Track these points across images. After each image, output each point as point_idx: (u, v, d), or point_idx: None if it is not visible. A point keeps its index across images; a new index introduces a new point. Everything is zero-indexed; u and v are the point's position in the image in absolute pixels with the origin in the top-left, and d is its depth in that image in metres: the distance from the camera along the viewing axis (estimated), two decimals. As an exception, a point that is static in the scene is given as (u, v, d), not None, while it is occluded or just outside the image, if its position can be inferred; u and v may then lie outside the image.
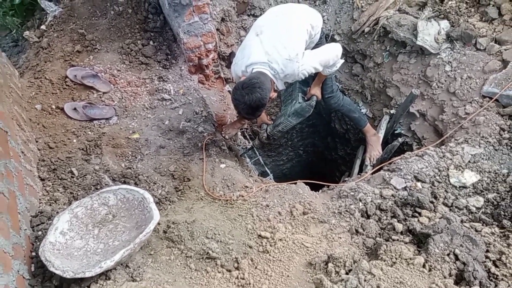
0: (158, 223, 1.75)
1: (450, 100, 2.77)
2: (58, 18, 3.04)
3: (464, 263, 1.56)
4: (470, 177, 2.21)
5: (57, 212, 1.81)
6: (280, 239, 1.92)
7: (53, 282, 1.53)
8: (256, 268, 1.69)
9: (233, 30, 3.34)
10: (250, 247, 1.85)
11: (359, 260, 1.60)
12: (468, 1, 3.01)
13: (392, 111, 3.11)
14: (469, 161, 2.30)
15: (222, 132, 2.99)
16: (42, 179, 2.24)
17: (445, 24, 2.91)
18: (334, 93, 2.84)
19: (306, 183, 2.52)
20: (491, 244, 1.70)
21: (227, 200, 2.28)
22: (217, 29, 3.26)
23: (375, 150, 2.96)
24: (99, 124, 2.73)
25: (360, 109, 3.42)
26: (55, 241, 1.61)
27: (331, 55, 2.37)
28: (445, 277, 1.52)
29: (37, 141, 2.46)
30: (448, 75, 2.80)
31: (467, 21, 2.89)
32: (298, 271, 1.69)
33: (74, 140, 2.58)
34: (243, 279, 1.59)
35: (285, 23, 2.33)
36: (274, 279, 1.62)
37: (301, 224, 2.09)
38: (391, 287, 1.41)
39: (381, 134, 3.06)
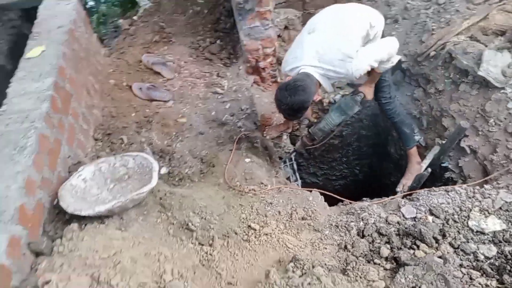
0: (158, 190, 1.99)
1: (506, 140, 2.49)
2: (147, 11, 3.55)
3: (426, 301, 1.47)
4: (493, 224, 1.99)
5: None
6: (266, 234, 2.00)
7: (65, 216, 1.86)
8: (228, 249, 1.81)
9: (295, 39, 3.47)
10: (236, 233, 1.98)
11: (317, 266, 1.61)
12: (556, 36, 2.67)
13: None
14: (500, 208, 2.07)
15: (265, 132, 3.14)
16: (95, 139, 2.67)
17: (519, 57, 2.63)
18: (391, 99, 2.71)
19: (322, 194, 2.53)
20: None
21: (239, 191, 2.43)
22: (279, 36, 3.44)
23: (411, 180, 2.80)
24: (157, 105, 3.12)
25: (415, 135, 3.24)
26: (76, 184, 1.96)
27: (387, 51, 2.25)
28: (399, 308, 1.45)
29: (103, 109, 2.94)
30: (510, 113, 2.53)
31: (548, 57, 2.57)
32: (264, 264, 1.76)
33: (133, 114, 3.00)
34: (210, 255, 1.73)
35: (341, 20, 2.28)
36: (238, 263, 1.72)
37: (295, 227, 2.14)
38: (333, 297, 1.41)
39: (424, 164, 2.88)
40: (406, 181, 2.82)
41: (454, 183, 2.76)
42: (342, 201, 2.52)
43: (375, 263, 1.80)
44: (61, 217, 1.88)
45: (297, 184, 3.12)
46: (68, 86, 2.42)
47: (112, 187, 2.05)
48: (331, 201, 2.57)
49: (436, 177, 2.97)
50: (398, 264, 1.78)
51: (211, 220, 1.91)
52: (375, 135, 4.04)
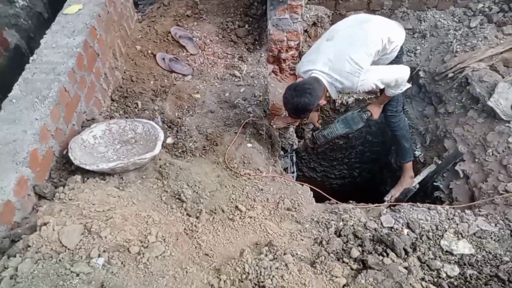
0: (159, 159, 2.15)
1: (498, 172, 2.56)
2: (183, -15, 3.65)
3: (379, 303, 1.61)
4: (463, 248, 2.09)
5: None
6: (251, 217, 2.16)
7: (71, 167, 2.05)
8: (212, 224, 1.97)
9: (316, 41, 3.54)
10: (223, 211, 2.13)
11: (288, 254, 1.76)
12: None
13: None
14: (473, 234, 2.17)
15: (272, 122, 3.27)
16: (112, 100, 2.85)
17: (532, 94, 2.66)
18: (397, 113, 2.79)
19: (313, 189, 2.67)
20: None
21: (235, 173, 2.58)
22: (306, 31, 3.50)
23: (400, 192, 2.90)
24: (176, 77, 3.27)
25: (415, 150, 3.33)
26: (86, 139, 2.13)
27: (395, 76, 2.36)
28: (352, 304, 1.60)
29: (124, 72, 3.10)
30: (508, 147, 2.58)
31: (561, 100, 2.60)
32: (242, 243, 1.92)
33: (151, 82, 3.15)
34: (195, 226, 1.90)
35: (357, 33, 2.37)
36: (219, 238, 1.89)
37: (279, 216, 2.29)
38: (294, 284, 1.56)
39: (417, 179, 2.96)
40: (395, 192, 2.92)
41: (442, 203, 2.85)
42: (329, 199, 2.64)
43: (343, 262, 1.93)
44: (67, 167, 2.07)
45: (292, 176, 3.24)
46: (96, 46, 2.59)
47: (119, 148, 2.22)
48: (324, 198, 2.71)
49: (427, 194, 3.06)
50: (364, 266, 1.91)
51: (202, 195, 2.07)
52: (380, 143, 4.12)
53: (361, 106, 2.78)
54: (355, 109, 2.78)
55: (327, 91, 2.38)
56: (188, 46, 3.43)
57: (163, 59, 3.29)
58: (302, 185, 2.66)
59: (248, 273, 1.57)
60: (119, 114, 2.75)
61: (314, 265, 1.81)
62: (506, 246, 2.11)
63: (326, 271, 1.75)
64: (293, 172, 3.35)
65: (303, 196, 2.52)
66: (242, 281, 1.55)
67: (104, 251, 1.38)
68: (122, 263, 1.39)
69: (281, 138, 3.47)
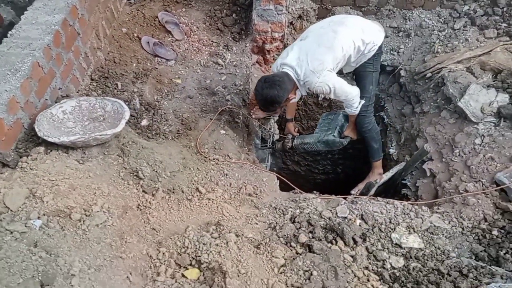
0: (124, 137, 2.22)
1: (462, 172, 2.59)
2: (176, -29, 3.70)
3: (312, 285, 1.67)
4: (413, 242, 2.15)
5: (74, 99, 2.42)
6: (209, 199, 2.23)
7: (39, 139, 2.12)
8: (167, 203, 2.05)
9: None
10: (182, 191, 2.21)
11: (233, 233, 1.83)
12: (548, 85, 2.69)
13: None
14: (426, 229, 2.22)
15: (252, 111, 3.33)
16: (92, 79, 2.92)
17: (503, 98, 2.68)
18: (367, 113, 2.82)
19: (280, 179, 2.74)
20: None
21: (205, 157, 2.65)
22: (291, 23, 3.54)
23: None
24: (159, 61, 3.33)
25: (390, 148, 3.37)
26: (55, 114, 2.21)
27: (345, 91, 2.51)
28: (286, 285, 1.66)
29: (108, 53, 3.17)
30: (474, 148, 2.61)
31: (531, 105, 2.61)
32: (194, 222, 1.99)
33: (134, 64, 3.22)
34: (149, 203, 1.97)
35: (327, 36, 2.46)
36: (170, 216, 1.96)
37: (239, 200, 2.36)
38: (229, 259, 1.63)
39: (386, 176, 3.00)
40: (362, 186, 2.97)
41: (408, 200, 2.89)
42: (294, 188, 2.71)
43: (290, 246, 2.00)
44: (35, 140, 2.14)
45: (265, 166, 3.30)
46: (77, 25, 2.66)
47: (87, 124, 2.30)
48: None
49: (396, 191, 3.10)
50: (310, 251, 1.98)
51: (162, 174, 2.14)
52: (363, 141, 4.13)
53: (339, 131, 2.93)
54: (335, 132, 2.90)
55: (297, 88, 2.47)
56: (174, 32, 3.49)
57: (148, 42, 3.36)
58: (271, 173, 2.72)
59: (188, 247, 1.65)
60: (97, 94, 2.83)
61: (259, 246, 1.87)
62: (456, 243, 2.16)
63: (268, 252, 1.82)
64: (267, 162, 3.40)
65: (267, 183, 2.59)
66: (180, 254, 1.62)
67: (44, 215, 1.46)
68: (62, 227, 1.47)
69: (261, 128, 3.53)
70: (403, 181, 3.01)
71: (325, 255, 1.80)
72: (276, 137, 3.63)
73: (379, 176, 2.96)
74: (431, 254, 2.08)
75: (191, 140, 2.80)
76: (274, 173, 2.75)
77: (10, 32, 2.37)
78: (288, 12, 3.41)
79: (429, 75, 3.14)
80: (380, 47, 2.52)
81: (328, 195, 2.63)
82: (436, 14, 3.47)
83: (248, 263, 1.63)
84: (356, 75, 2.68)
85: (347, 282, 1.81)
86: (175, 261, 1.59)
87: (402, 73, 3.43)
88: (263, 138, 3.60)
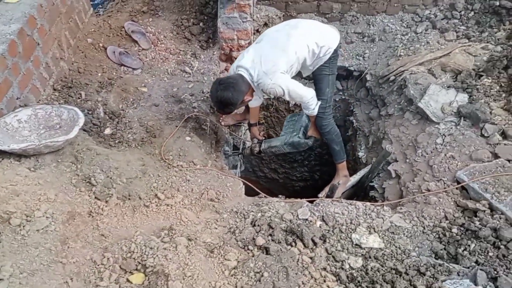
0: (78, 144, 2.19)
1: (425, 172, 2.61)
2: (144, -17, 3.72)
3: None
4: (373, 242, 2.13)
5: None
6: (168, 205, 2.20)
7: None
8: (121, 209, 2.01)
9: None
10: (140, 198, 2.17)
11: (185, 237, 1.79)
12: (503, 85, 2.75)
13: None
14: (386, 229, 2.21)
15: (221, 119, 3.32)
16: (54, 89, 2.88)
17: (462, 97, 2.72)
18: (325, 115, 2.78)
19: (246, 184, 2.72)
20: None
21: (168, 164, 2.62)
22: (257, 30, 3.57)
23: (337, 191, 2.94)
24: (125, 70, 3.32)
25: (359, 151, 3.38)
26: (9, 123, 2.18)
27: (299, 94, 2.52)
28: (236, 287, 1.63)
29: (72, 64, 3.14)
30: (436, 148, 2.64)
31: (488, 103, 2.66)
32: (148, 228, 1.95)
33: (99, 74, 3.20)
34: (101, 209, 1.93)
35: (281, 39, 2.50)
36: (123, 222, 1.92)
37: (200, 205, 2.33)
38: (175, 263, 1.59)
39: (353, 179, 3.01)
40: (326, 191, 2.96)
41: (376, 202, 2.89)
42: (259, 193, 2.69)
43: (248, 249, 1.97)
44: (-13, 147, 2.10)
45: (235, 173, 3.28)
46: (36, 35, 2.63)
47: (43, 133, 2.26)
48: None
49: (366, 194, 3.10)
50: (267, 253, 1.95)
51: (116, 181, 2.11)
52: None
53: (304, 131, 2.92)
54: (299, 133, 2.90)
55: (254, 90, 2.48)
56: (141, 41, 3.49)
57: (114, 52, 3.35)
58: (238, 179, 2.71)
59: (133, 252, 1.61)
60: (59, 103, 2.79)
61: (213, 250, 1.84)
62: (417, 242, 2.16)
63: (221, 255, 1.79)
64: (238, 169, 3.39)
65: (231, 189, 2.57)
66: (125, 259, 1.58)
67: (-21, 221, 1.42)
68: (0, 233, 1.43)
69: (232, 136, 3.52)
70: (371, 184, 3.02)
71: (277, 256, 1.78)
72: (248, 144, 3.63)
73: (344, 178, 2.96)
74: (391, 254, 2.06)
75: (155, 147, 2.77)
76: (240, 178, 2.73)
77: (-36, 42, 2.34)
78: (253, 19, 3.45)
79: (392, 78, 3.18)
80: (335, 51, 2.55)
81: (293, 199, 2.62)
82: (399, 18, 3.54)
83: (196, 266, 1.60)
84: (313, 78, 2.71)
85: (303, 283, 1.79)
86: (120, 266, 1.55)
87: (368, 77, 3.48)
88: (235, 146, 3.59)
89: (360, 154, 3.36)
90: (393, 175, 2.83)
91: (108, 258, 1.57)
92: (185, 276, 1.50)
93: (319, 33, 2.50)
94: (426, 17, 3.42)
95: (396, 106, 3.11)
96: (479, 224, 2.11)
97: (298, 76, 2.61)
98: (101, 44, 3.38)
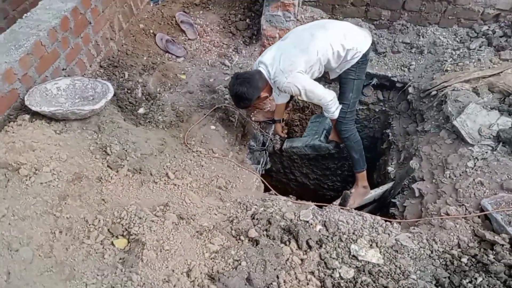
0: (104, 116, 2.35)
1: (449, 195, 2.42)
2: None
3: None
4: (371, 256, 2.03)
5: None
6: (175, 184, 2.28)
7: (31, 110, 2.31)
8: (128, 180, 2.12)
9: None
10: (151, 174, 2.28)
11: (175, 214, 1.85)
12: (557, 113, 2.46)
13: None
14: (390, 246, 2.09)
15: (252, 114, 3.38)
16: (101, 66, 3.13)
17: (505, 121, 2.49)
18: (346, 120, 2.68)
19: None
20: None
21: (189, 148, 2.72)
22: (301, 32, 3.55)
23: (352, 202, 2.83)
24: (169, 57, 3.50)
25: (389, 166, 3.23)
26: (49, 89, 2.40)
27: (317, 94, 2.45)
28: (211, 270, 1.65)
29: (122, 45, 3.38)
30: (466, 171, 2.44)
31: (535, 131, 2.40)
32: (146, 201, 2.03)
33: (145, 58, 3.41)
34: (110, 177, 2.06)
35: (304, 38, 2.45)
36: (127, 192, 2.02)
37: (207, 190, 2.38)
38: (157, 235, 1.65)
39: (374, 192, 2.88)
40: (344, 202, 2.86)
41: (394, 218, 2.74)
42: (270, 190, 2.68)
43: (239, 239, 1.98)
44: (28, 109, 2.34)
45: (256, 168, 3.29)
46: (89, 15, 2.88)
47: (77, 102, 2.46)
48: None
49: (387, 210, 2.95)
50: (256, 244, 1.95)
51: (131, 154, 2.23)
52: (373, 158, 4.00)
53: (326, 135, 2.92)
54: (321, 136, 2.87)
55: (271, 87, 2.48)
56: (188, 31, 3.65)
57: (161, 39, 3.54)
58: (252, 173, 2.73)
59: (123, 218, 1.70)
60: (102, 79, 3.02)
61: (202, 233, 1.88)
62: (420, 266, 2.02)
63: (207, 238, 1.82)
64: (261, 165, 3.40)
65: (242, 181, 2.60)
66: (114, 223, 1.68)
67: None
68: (8, 180, 1.60)
69: (261, 132, 3.54)
70: (393, 200, 2.87)
71: (261, 249, 1.77)
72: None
73: (363, 190, 2.84)
74: (388, 272, 1.95)
75: (180, 131, 2.89)
76: (255, 172, 2.75)
77: (25, 15, 2.63)
78: (298, 19, 3.44)
79: (434, 93, 2.99)
80: (365, 55, 2.45)
81: (300, 201, 2.58)
82: (453, 32, 3.32)
83: (177, 243, 1.65)
84: (339, 82, 2.64)
85: (284, 281, 1.76)
86: (108, 229, 1.66)
87: (411, 90, 3.30)
88: (264, 143, 3.61)
89: (390, 169, 3.20)
90: (417, 194, 2.66)
91: (99, 220, 1.68)
92: (162, 249, 1.56)
93: (347, 35, 2.42)
94: (483, 33, 3.16)
95: (433, 122, 2.91)
96: (493, 258, 1.92)
97: (323, 78, 2.55)
98: (151, 31, 3.59)
